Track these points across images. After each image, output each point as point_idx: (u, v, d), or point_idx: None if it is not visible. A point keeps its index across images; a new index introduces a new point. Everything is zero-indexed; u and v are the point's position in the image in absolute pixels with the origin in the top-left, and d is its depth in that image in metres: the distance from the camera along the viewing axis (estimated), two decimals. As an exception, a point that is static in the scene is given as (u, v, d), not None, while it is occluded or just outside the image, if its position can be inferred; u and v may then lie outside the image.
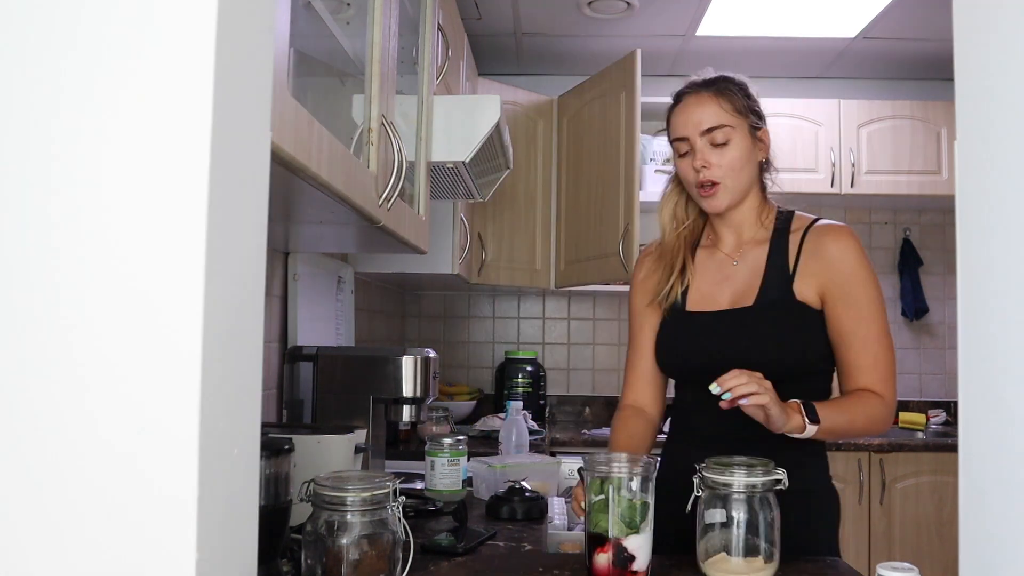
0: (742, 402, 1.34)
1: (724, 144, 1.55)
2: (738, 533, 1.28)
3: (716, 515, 1.29)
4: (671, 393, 1.71)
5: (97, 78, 0.59)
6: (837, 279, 1.52)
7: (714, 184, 1.56)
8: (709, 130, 1.55)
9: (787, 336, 1.52)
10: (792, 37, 3.44)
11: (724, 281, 1.61)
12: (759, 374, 1.37)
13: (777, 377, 1.50)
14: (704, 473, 1.31)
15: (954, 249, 0.69)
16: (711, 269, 1.64)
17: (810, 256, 1.55)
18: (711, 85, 1.60)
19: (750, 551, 1.28)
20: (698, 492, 1.32)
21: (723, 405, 1.35)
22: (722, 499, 1.30)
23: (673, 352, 1.64)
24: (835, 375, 1.59)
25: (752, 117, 1.59)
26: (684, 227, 1.67)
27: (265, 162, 0.71)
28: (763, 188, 1.65)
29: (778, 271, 1.56)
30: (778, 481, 1.30)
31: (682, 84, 1.65)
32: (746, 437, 1.44)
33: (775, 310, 1.54)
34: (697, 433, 1.58)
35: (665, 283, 1.64)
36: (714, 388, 1.36)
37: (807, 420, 1.41)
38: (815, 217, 1.62)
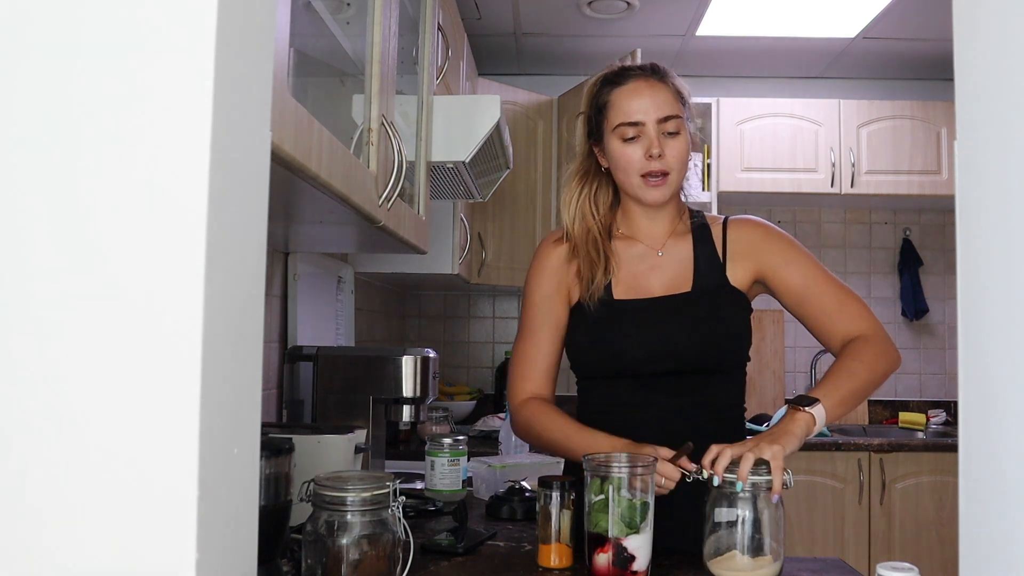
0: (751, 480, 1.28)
1: (676, 134, 1.51)
2: (745, 531, 1.29)
3: (724, 514, 1.29)
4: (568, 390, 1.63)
5: (96, 78, 0.59)
6: (770, 253, 1.55)
7: (665, 174, 1.50)
8: (666, 118, 1.50)
9: (726, 319, 1.52)
10: (792, 37, 3.44)
11: (651, 271, 1.57)
12: (726, 448, 1.30)
13: (709, 364, 1.51)
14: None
15: (954, 249, 0.69)
16: (633, 260, 1.58)
17: (736, 244, 1.57)
18: (656, 72, 1.54)
19: (757, 549, 1.29)
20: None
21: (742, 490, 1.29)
22: (728, 498, 1.30)
23: (608, 342, 1.53)
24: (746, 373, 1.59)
25: (688, 111, 1.56)
26: (597, 219, 1.59)
27: (265, 162, 0.71)
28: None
29: (709, 259, 1.56)
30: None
31: (614, 67, 1.59)
32: (692, 430, 1.44)
33: (713, 294, 1.53)
34: (636, 432, 1.46)
35: (589, 274, 1.54)
36: (715, 480, 1.28)
37: (804, 408, 1.35)
38: (724, 215, 1.64)
